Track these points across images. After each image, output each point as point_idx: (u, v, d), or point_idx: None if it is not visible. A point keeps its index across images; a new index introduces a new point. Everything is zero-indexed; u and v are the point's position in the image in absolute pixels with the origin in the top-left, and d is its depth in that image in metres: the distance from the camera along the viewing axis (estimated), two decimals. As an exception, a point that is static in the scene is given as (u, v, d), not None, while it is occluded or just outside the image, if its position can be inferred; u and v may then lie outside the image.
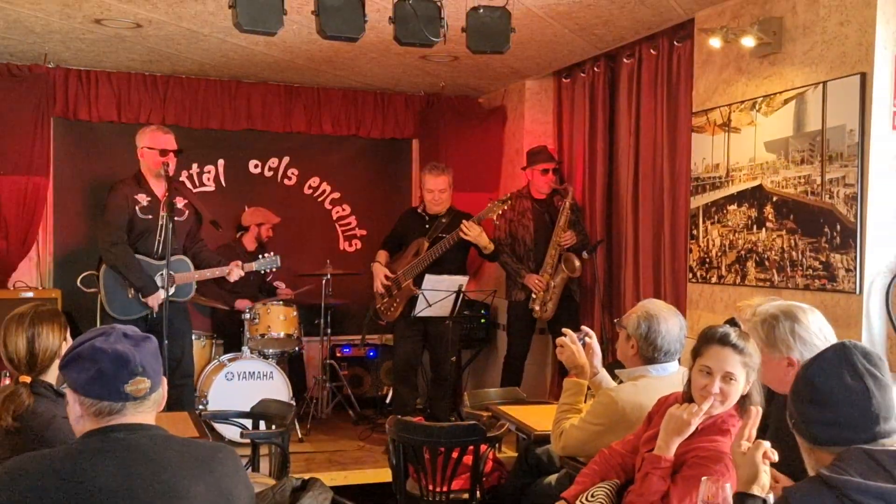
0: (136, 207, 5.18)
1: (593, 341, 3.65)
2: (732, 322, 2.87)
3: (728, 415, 2.72)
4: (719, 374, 2.68)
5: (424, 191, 6.10)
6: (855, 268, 3.95)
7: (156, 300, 5.11)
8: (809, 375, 1.94)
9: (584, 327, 3.73)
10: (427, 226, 6.06)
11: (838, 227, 4.03)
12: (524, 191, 6.21)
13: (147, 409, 1.93)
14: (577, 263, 5.87)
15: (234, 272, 5.40)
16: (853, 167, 3.95)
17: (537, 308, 5.97)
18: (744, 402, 2.71)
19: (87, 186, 6.55)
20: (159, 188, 5.22)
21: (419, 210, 6.22)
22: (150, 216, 5.20)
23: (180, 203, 5.32)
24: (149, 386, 1.90)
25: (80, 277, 5.44)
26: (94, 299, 5.36)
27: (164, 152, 5.20)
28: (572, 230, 5.93)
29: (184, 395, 5.23)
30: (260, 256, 5.74)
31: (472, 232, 5.77)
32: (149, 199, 5.21)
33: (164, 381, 2.01)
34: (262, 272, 5.88)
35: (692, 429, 2.67)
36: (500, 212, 5.83)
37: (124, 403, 1.88)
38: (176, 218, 5.19)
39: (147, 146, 5.21)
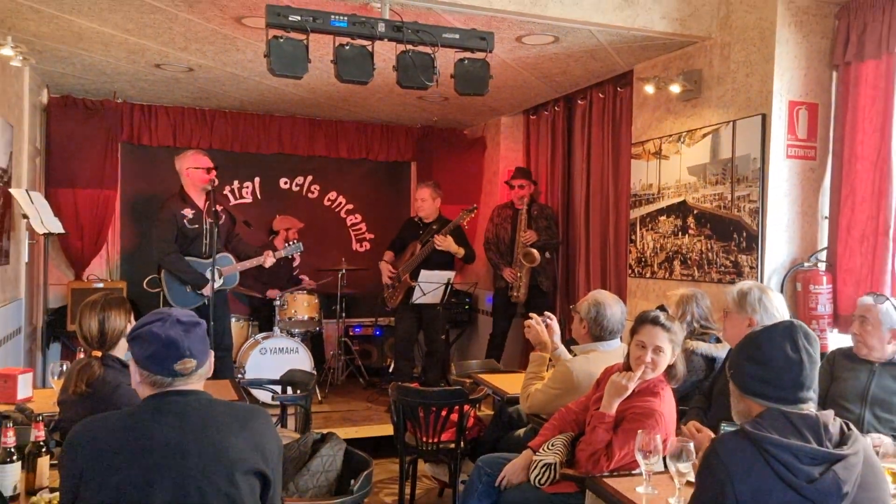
0: (184, 220, 5.11)
1: (553, 323, 3.67)
2: (662, 308, 2.94)
3: (658, 380, 2.75)
4: (651, 347, 2.72)
5: (418, 201, 6.17)
6: (757, 266, 3.95)
7: (208, 290, 5.11)
8: (758, 338, 1.89)
9: (547, 312, 3.75)
10: (420, 231, 6.09)
11: (744, 234, 4.04)
12: (508, 203, 6.21)
13: (195, 380, 1.90)
14: (536, 255, 5.85)
15: (269, 259, 5.37)
16: (756, 187, 3.96)
17: (514, 293, 5.98)
18: (670, 371, 2.77)
19: (147, 198, 6.52)
20: (201, 200, 5.17)
21: (415, 218, 6.25)
22: (197, 225, 5.15)
23: (219, 209, 5.31)
24: (194, 365, 1.87)
25: (146, 280, 5.39)
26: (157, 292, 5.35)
27: (208, 170, 5.16)
28: (532, 230, 5.93)
29: (224, 365, 5.21)
30: (286, 244, 5.73)
31: (443, 244, 5.82)
32: (193, 211, 5.15)
33: (211, 356, 1.97)
34: (290, 257, 5.84)
35: (629, 391, 2.70)
36: (468, 219, 5.88)
37: (173, 378, 1.85)
38: (221, 222, 5.18)
39: (192, 167, 5.14)
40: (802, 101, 3.93)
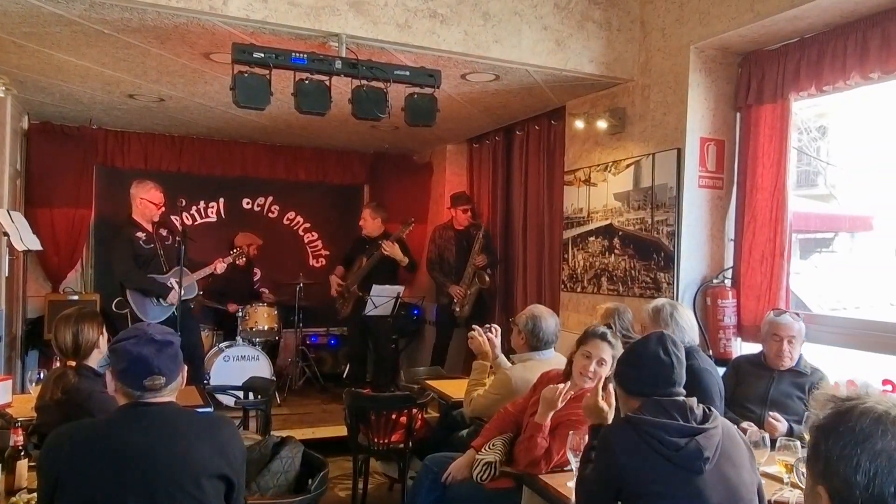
0: (139, 242, 5.02)
1: (494, 335, 3.66)
2: (609, 326, 2.99)
3: (591, 388, 2.77)
4: (596, 358, 2.73)
5: (362, 220, 6.20)
6: (673, 282, 4.06)
7: (173, 297, 5.02)
8: (635, 347, 2.11)
9: (493, 325, 3.73)
10: (367, 246, 6.13)
11: (662, 254, 4.14)
12: (448, 223, 6.22)
13: (166, 394, 1.87)
14: (487, 279, 5.90)
15: (219, 265, 5.32)
16: (672, 213, 4.07)
17: (457, 310, 5.98)
18: (605, 382, 2.79)
19: (119, 216, 6.36)
20: (150, 224, 5.11)
21: (363, 235, 6.26)
22: (151, 245, 5.07)
23: (168, 231, 5.25)
24: (163, 382, 1.84)
25: (114, 303, 5.25)
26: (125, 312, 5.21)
27: (158, 206, 5.11)
28: (484, 254, 5.95)
29: (197, 374, 5.10)
30: (230, 252, 5.64)
31: (391, 249, 5.89)
32: (145, 234, 5.06)
33: (184, 370, 1.94)
34: (251, 272, 5.79)
35: (558, 407, 2.68)
36: (407, 231, 5.93)
37: (143, 392, 1.83)
38: (168, 242, 5.14)
39: (147, 199, 5.05)
40: (711, 138, 4.07)
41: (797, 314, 3.39)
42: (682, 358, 2.06)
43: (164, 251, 5.04)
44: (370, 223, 6.14)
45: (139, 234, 5.06)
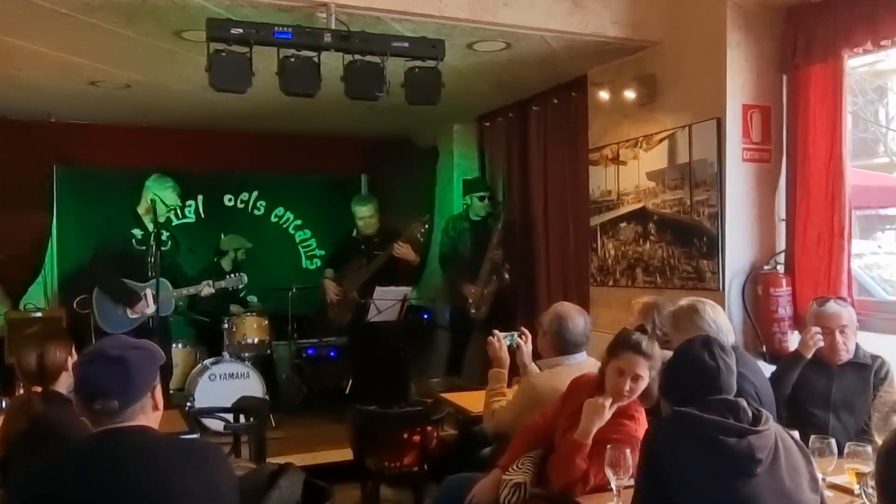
0: (133, 241, 5.10)
1: (525, 342, 3.57)
2: (642, 329, 2.93)
3: (633, 402, 2.72)
4: (630, 375, 2.67)
5: (356, 219, 6.13)
6: (718, 271, 4.06)
7: (140, 308, 5.04)
8: (678, 351, 2.16)
9: (523, 329, 3.65)
10: (363, 246, 6.10)
11: (704, 239, 4.14)
12: (463, 214, 6.22)
13: (136, 417, 1.85)
14: (507, 276, 5.87)
15: (206, 290, 5.36)
16: (714, 191, 4.06)
17: (473, 311, 5.96)
18: (644, 392, 2.72)
19: (85, 220, 6.39)
20: (150, 225, 5.17)
21: (354, 234, 6.23)
22: (144, 247, 5.14)
23: (164, 236, 5.30)
24: (117, 405, 1.81)
25: (76, 301, 5.30)
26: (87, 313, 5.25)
27: (169, 209, 5.23)
28: (503, 248, 5.91)
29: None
30: (228, 276, 5.69)
31: (402, 249, 5.83)
32: (143, 232, 5.15)
33: (151, 388, 1.92)
34: (231, 289, 5.81)
35: (608, 416, 2.64)
36: (422, 230, 5.89)
37: (100, 417, 1.82)
38: (165, 248, 5.19)
39: (161, 198, 5.13)
40: (755, 105, 4.06)
41: (843, 299, 3.39)
42: (732, 365, 2.09)
43: (156, 258, 5.06)
44: (375, 218, 6.09)
45: (136, 230, 5.13)
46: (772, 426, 2.01)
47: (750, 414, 2.00)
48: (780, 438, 2.01)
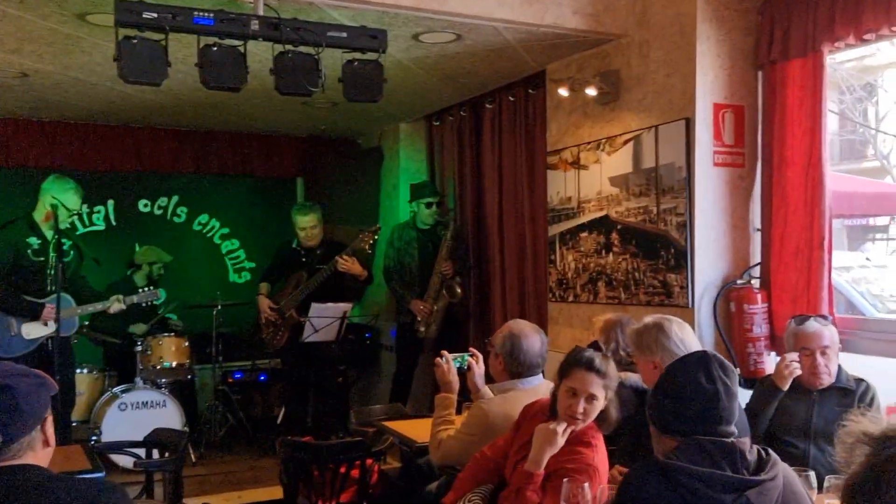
0: (28, 251, 4.98)
1: (476, 363, 3.58)
2: (595, 346, 2.97)
3: (589, 427, 2.75)
4: (583, 395, 2.70)
5: (297, 229, 6.10)
6: (687, 285, 4.10)
7: (48, 314, 4.93)
8: (671, 370, 2.03)
9: (472, 349, 3.66)
10: (304, 258, 6.08)
11: (672, 250, 4.19)
12: (410, 222, 6.23)
13: (14, 455, 1.82)
14: (459, 290, 5.90)
15: (115, 306, 5.26)
16: (682, 198, 4.11)
17: (422, 329, 5.97)
18: (601, 416, 2.76)
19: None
20: (48, 233, 5.06)
21: (294, 245, 6.20)
22: (42, 258, 5.03)
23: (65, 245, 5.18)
24: (1, 440, 1.78)
25: None
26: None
27: (71, 214, 5.11)
28: (453, 259, 5.94)
29: (66, 428, 5.01)
30: (140, 290, 5.60)
31: (347, 264, 5.81)
32: (40, 241, 5.04)
33: (43, 422, 1.89)
34: (145, 305, 5.71)
35: (561, 443, 2.67)
36: (371, 241, 5.87)
37: None
38: (67, 259, 5.06)
39: (62, 202, 5.01)
40: (728, 104, 4.13)
41: (824, 317, 3.45)
42: (734, 387, 1.98)
43: (57, 270, 4.95)
44: (319, 229, 6.08)
45: (32, 238, 5.02)
46: (779, 471, 1.90)
47: (751, 459, 1.89)
48: (789, 485, 1.90)
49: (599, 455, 2.73)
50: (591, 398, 2.70)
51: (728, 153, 4.16)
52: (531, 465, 2.67)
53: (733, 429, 1.94)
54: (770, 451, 1.94)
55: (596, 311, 4.43)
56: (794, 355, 3.30)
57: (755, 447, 1.93)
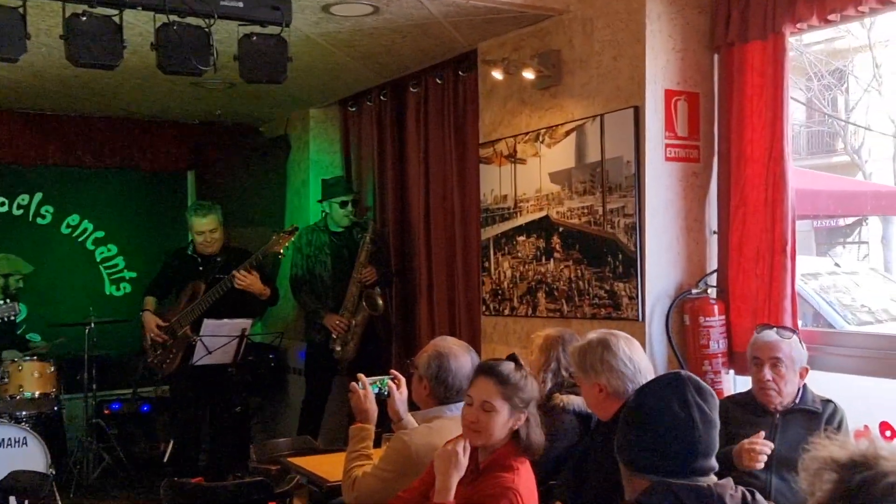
0: None
1: (397, 387, 3.57)
2: (513, 357, 2.99)
3: (511, 450, 2.79)
4: (478, 402, 2.77)
5: (193, 233, 6.02)
6: (637, 296, 4.16)
7: None
8: (639, 399, 2.01)
9: (394, 372, 3.65)
10: (201, 267, 5.97)
11: (620, 256, 4.24)
12: (321, 224, 6.19)
13: None
14: (380, 302, 5.87)
15: None
16: (631, 197, 4.18)
17: (338, 349, 5.92)
18: (517, 437, 2.80)
19: None
20: None
21: (189, 252, 6.11)
22: None
23: None
24: None
25: None
26: None
27: None
28: (373, 265, 5.92)
29: None
30: None
31: (246, 280, 5.72)
32: None
33: None
34: (3, 321, 5.56)
35: (465, 463, 2.71)
36: (285, 245, 5.79)
37: None
38: None
39: None
40: (681, 91, 4.23)
41: (790, 329, 3.54)
42: (714, 415, 1.96)
43: None
44: (219, 232, 5.98)
45: None
46: None
47: (736, 503, 1.88)
48: None
49: (522, 478, 2.76)
50: (486, 406, 2.76)
51: (681, 146, 4.24)
52: (440, 494, 2.72)
53: (713, 463, 1.93)
54: (756, 494, 1.94)
55: (535, 326, 4.48)
56: (754, 441, 3.15)
57: (739, 489, 1.93)
